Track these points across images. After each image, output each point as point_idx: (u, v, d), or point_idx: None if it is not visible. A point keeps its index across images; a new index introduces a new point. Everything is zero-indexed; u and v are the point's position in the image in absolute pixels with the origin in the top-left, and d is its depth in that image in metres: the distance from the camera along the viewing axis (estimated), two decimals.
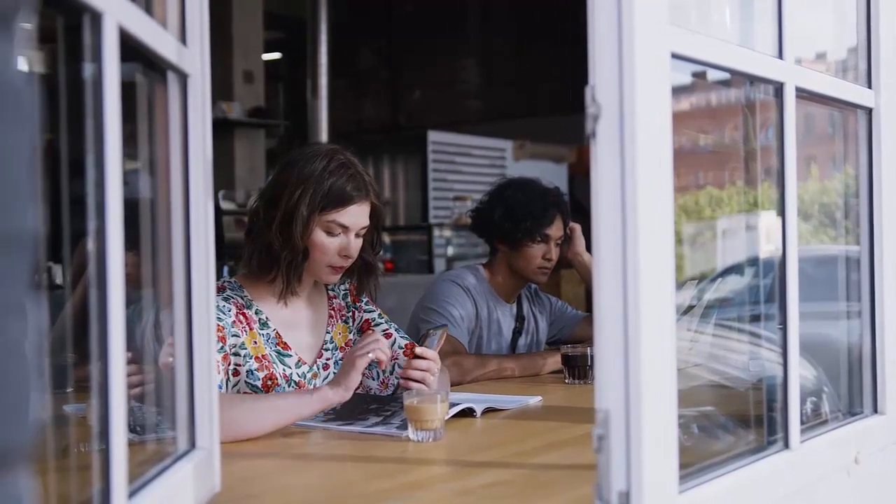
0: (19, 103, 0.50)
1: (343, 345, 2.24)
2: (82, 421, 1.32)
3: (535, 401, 2.24)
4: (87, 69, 0.96)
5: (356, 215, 2.08)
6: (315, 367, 2.17)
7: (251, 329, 2.08)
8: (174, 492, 1.19)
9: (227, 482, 1.40)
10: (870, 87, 1.72)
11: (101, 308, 0.96)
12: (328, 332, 2.22)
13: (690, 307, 1.88)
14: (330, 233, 2.07)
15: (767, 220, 1.75)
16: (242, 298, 2.11)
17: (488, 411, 2.07)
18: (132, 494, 1.04)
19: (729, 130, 1.91)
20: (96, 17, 0.95)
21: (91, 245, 0.97)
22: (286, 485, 1.53)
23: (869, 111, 1.72)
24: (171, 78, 1.28)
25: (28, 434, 0.53)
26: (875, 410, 1.72)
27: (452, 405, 1.94)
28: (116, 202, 0.97)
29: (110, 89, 0.96)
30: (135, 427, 1.27)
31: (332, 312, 2.26)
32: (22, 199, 0.51)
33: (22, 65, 0.52)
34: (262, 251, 2.09)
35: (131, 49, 1.05)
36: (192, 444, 1.31)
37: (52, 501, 1.08)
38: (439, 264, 7.04)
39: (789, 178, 1.45)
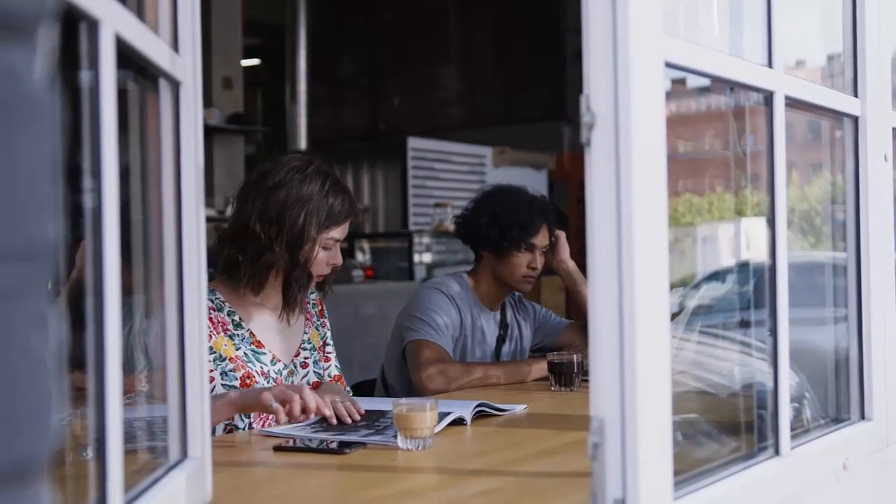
0: (41, 113, 0.49)
1: (317, 347, 2.33)
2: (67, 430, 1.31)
3: (520, 409, 2.24)
4: (84, 76, 0.95)
5: (346, 228, 2.22)
6: (292, 365, 2.23)
7: (223, 331, 2.13)
8: (167, 502, 1.18)
9: (218, 492, 1.39)
10: (856, 95, 1.73)
11: (98, 317, 0.94)
12: (306, 333, 2.30)
13: (675, 314, 1.89)
14: (326, 248, 2.18)
15: (748, 226, 1.76)
16: (213, 301, 2.14)
17: (479, 416, 2.07)
18: None
19: (709, 137, 1.92)
20: (93, 25, 0.94)
21: (87, 251, 0.96)
22: (277, 495, 1.52)
23: (855, 119, 1.73)
24: (163, 85, 1.27)
25: (50, 445, 0.52)
26: (862, 417, 1.73)
27: (442, 415, 1.94)
28: (112, 210, 0.96)
29: (107, 96, 0.95)
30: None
31: (308, 315, 2.33)
32: (43, 210, 0.50)
33: (42, 75, 0.52)
34: (264, 269, 2.14)
35: (124, 56, 1.05)
36: (184, 454, 1.30)
37: None
38: (420, 271, 7.02)
39: (779, 186, 1.45)
